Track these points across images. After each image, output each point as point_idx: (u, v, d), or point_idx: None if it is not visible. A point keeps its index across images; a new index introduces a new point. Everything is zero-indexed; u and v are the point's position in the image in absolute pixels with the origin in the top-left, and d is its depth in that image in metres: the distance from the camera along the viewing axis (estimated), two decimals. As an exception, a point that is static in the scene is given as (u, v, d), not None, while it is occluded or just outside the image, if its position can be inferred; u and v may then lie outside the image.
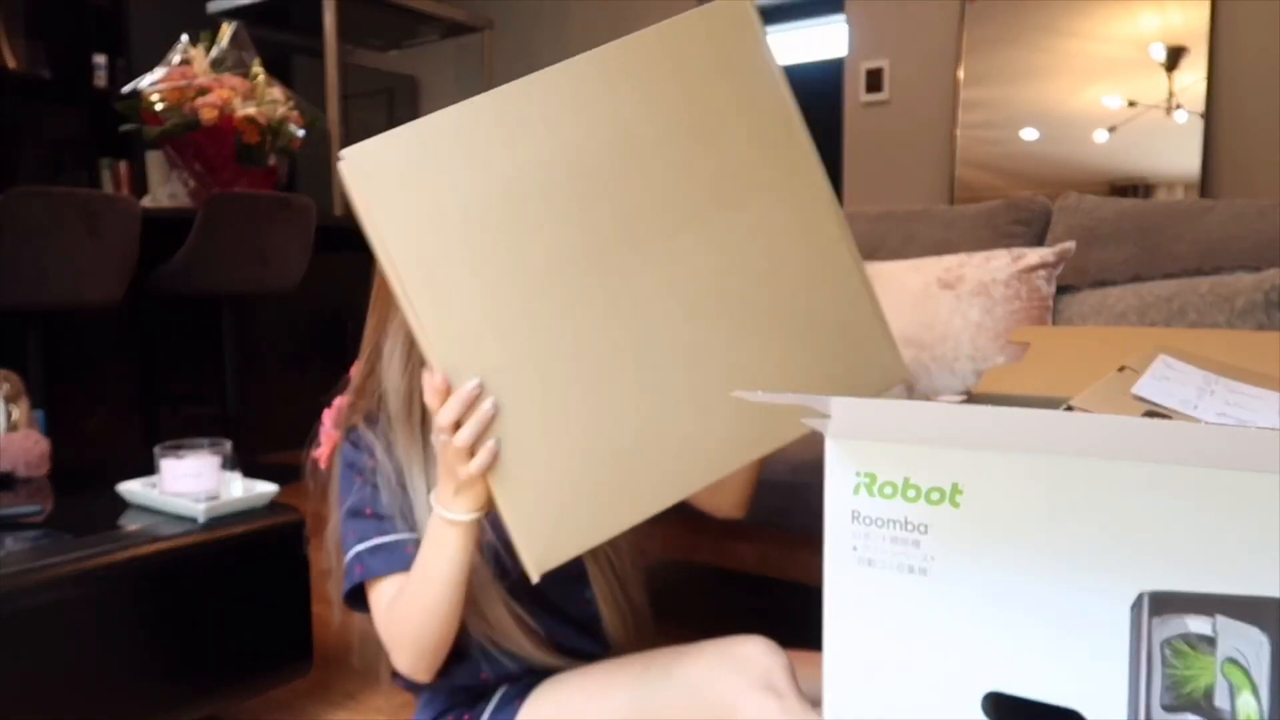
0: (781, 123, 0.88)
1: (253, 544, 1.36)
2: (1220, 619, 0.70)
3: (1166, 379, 1.09)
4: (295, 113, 3.33)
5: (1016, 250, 1.91)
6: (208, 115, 3.05)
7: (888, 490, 0.85)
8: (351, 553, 1.02)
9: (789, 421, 0.83)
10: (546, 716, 1.02)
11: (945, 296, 1.88)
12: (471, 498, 0.88)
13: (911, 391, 1.84)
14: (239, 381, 3.14)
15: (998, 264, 1.88)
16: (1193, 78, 3.23)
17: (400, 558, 1.00)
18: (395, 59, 5.43)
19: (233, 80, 3.19)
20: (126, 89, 3.27)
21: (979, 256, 1.92)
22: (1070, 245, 1.90)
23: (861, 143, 3.92)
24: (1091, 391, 1.10)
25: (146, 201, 3.22)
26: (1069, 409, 1.02)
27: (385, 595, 1.00)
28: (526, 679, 1.06)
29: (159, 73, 3.21)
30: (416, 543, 1.00)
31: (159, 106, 3.10)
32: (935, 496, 0.83)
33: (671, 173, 0.84)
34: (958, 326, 1.84)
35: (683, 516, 0.99)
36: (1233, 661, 0.69)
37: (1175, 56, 3.26)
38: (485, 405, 0.80)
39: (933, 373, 1.85)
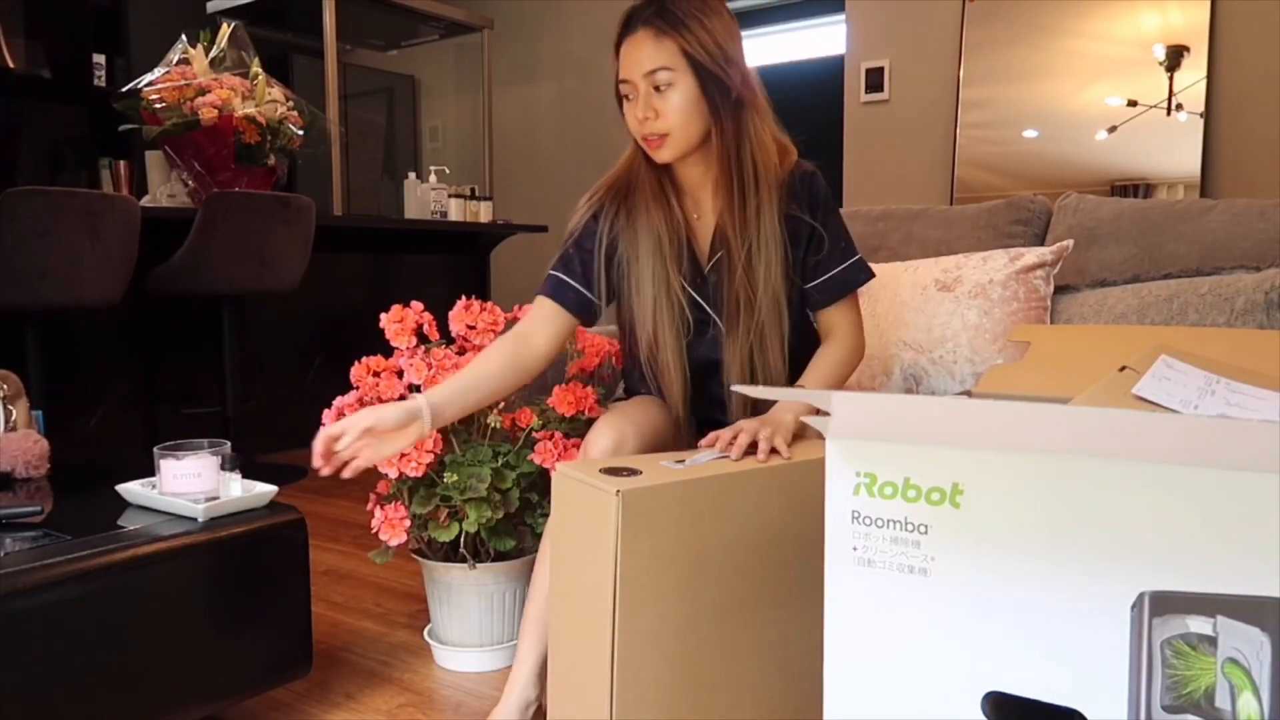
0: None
1: (252, 544, 1.36)
2: (1221, 619, 0.70)
3: (1167, 379, 1.09)
4: (295, 113, 3.33)
5: (1014, 250, 1.91)
6: (207, 115, 3.05)
7: (888, 490, 0.85)
8: None
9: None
10: None
11: (944, 299, 1.88)
12: None
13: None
14: (239, 381, 3.13)
15: (995, 265, 1.87)
16: (1193, 78, 3.23)
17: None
18: (395, 59, 5.43)
19: (232, 80, 3.19)
20: (126, 89, 3.27)
21: (976, 258, 1.92)
22: (1068, 243, 1.89)
23: (861, 142, 3.92)
24: (1092, 392, 1.10)
25: (146, 201, 3.22)
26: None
27: None
28: None
29: (158, 72, 3.21)
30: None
31: (158, 106, 3.10)
32: (935, 497, 0.83)
33: (786, 564, 1.20)
34: (956, 329, 1.84)
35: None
36: (1234, 662, 0.69)
37: (1175, 56, 3.26)
38: None
39: (931, 376, 1.85)
